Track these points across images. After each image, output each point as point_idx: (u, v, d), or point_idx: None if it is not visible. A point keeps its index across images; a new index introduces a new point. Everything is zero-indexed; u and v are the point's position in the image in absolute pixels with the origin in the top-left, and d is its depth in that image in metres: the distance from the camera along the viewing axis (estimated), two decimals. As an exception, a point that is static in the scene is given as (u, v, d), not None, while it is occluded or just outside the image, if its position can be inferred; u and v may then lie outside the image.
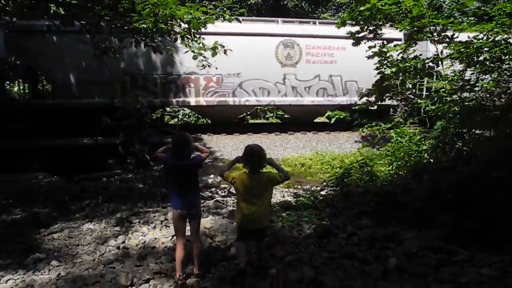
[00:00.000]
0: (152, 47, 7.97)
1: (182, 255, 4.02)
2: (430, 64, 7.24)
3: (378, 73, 7.58)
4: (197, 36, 7.39)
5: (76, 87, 13.21)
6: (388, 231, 4.54)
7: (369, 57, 7.77)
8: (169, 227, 5.65)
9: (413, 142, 6.08)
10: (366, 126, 7.16)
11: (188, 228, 4.26)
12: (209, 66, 7.98)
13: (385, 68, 7.05)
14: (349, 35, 8.29)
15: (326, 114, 10.24)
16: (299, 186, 10.27)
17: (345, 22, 8.16)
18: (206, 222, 5.55)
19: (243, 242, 3.92)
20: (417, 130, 6.33)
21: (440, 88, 6.47)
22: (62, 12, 8.69)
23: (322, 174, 11.44)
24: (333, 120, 9.51)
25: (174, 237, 5.17)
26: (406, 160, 6.00)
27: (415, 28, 7.05)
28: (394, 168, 6.27)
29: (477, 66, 6.01)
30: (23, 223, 6.19)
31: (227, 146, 13.61)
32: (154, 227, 5.75)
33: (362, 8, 6.87)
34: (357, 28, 8.07)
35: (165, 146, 4.36)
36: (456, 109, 5.39)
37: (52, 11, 8.23)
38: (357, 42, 8.15)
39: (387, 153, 6.56)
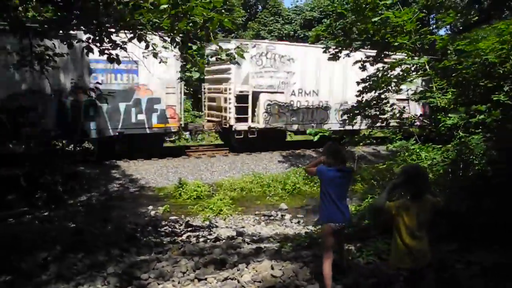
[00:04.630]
0: (109, 56, 6.38)
1: (331, 273, 3.85)
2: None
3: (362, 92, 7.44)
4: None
5: None
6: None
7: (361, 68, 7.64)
8: (203, 280, 4.45)
9: (448, 158, 5.97)
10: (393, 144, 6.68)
11: None
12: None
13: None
14: (324, 48, 8.06)
15: (308, 131, 10.97)
16: (258, 212, 9.61)
17: (320, 37, 7.89)
18: (265, 268, 4.45)
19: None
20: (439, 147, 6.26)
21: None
22: None
23: (270, 197, 10.95)
24: (315, 138, 9.21)
25: None
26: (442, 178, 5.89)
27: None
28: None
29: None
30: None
31: (149, 173, 12.09)
32: (179, 282, 4.47)
33: (374, 19, 6.59)
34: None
35: (314, 161, 4.29)
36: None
37: None
38: (334, 57, 7.92)
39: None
